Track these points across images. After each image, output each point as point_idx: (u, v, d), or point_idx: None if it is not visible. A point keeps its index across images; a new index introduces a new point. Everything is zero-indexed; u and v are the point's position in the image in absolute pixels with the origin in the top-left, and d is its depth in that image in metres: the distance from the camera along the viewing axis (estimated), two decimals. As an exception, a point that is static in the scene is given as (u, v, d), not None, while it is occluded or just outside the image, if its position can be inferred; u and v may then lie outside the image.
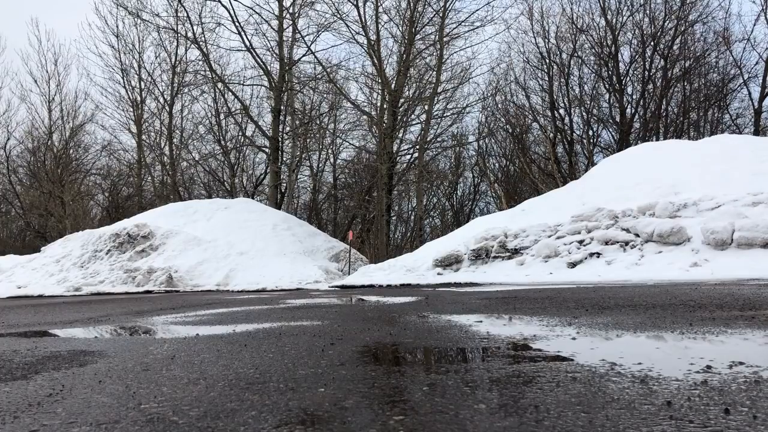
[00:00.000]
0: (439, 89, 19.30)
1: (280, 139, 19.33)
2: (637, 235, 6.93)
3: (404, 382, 1.32)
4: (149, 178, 25.45)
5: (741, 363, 1.40)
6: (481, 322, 2.57)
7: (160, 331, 2.79)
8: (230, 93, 20.47)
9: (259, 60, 18.42)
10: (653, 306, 2.93)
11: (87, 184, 27.84)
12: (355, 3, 17.51)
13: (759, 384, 1.18)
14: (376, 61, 18.22)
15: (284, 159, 20.44)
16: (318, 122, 21.86)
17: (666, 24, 19.68)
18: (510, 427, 0.93)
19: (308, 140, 22.11)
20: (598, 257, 6.88)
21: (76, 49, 48.54)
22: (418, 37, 18.66)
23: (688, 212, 7.19)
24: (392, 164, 18.75)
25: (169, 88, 23.63)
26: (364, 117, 21.09)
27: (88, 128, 26.21)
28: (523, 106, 22.18)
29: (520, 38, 22.07)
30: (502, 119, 23.03)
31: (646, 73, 20.07)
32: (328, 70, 18.76)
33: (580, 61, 20.84)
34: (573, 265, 6.89)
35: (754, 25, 23.16)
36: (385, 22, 18.86)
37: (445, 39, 18.52)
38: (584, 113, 21.10)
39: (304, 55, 18.92)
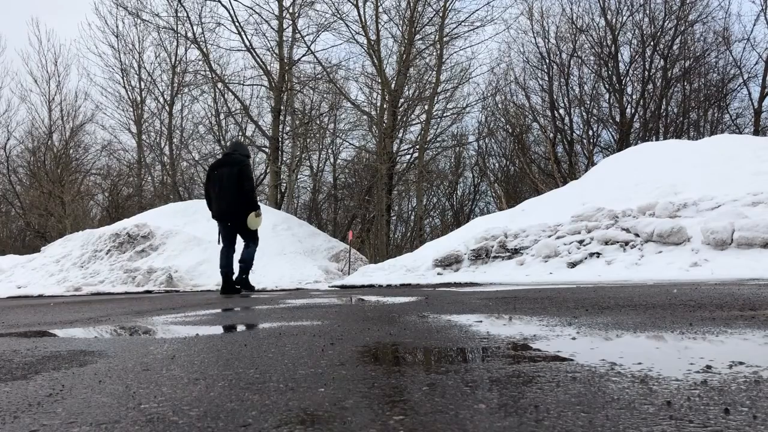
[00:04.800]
0: (439, 89, 19.31)
1: (280, 139, 19.32)
2: (637, 235, 6.93)
3: (404, 381, 1.32)
4: (149, 178, 25.46)
5: (741, 363, 1.40)
6: (481, 322, 2.57)
7: (160, 331, 2.78)
8: (230, 93, 20.48)
9: (259, 60, 18.43)
10: (653, 306, 2.93)
11: (87, 184, 27.84)
12: (355, 3, 17.52)
13: (759, 384, 1.18)
14: (376, 61, 18.22)
15: (284, 159, 20.45)
16: (318, 122, 21.86)
17: (666, 24, 19.70)
18: (510, 427, 0.93)
19: (308, 140, 22.11)
20: (598, 257, 6.88)
21: (76, 49, 48.57)
22: (417, 37, 18.67)
23: (688, 212, 7.19)
24: (392, 164, 18.74)
25: (169, 88, 23.66)
26: (364, 117, 21.10)
27: (88, 128, 26.25)
28: (523, 106, 22.21)
29: (520, 38, 22.11)
30: (502, 119, 23.05)
31: (646, 73, 20.09)
32: (328, 70, 18.76)
33: (580, 61, 20.86)
34: (573, 265, 6.89)
35: (754, 25, 23.18)
36: (385, 22, 18.88)
37: (445, 39, 18.53)
38: (584, 113, 21.11)
39: (304, 55, 18.93)
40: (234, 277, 7.04)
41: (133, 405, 1.17)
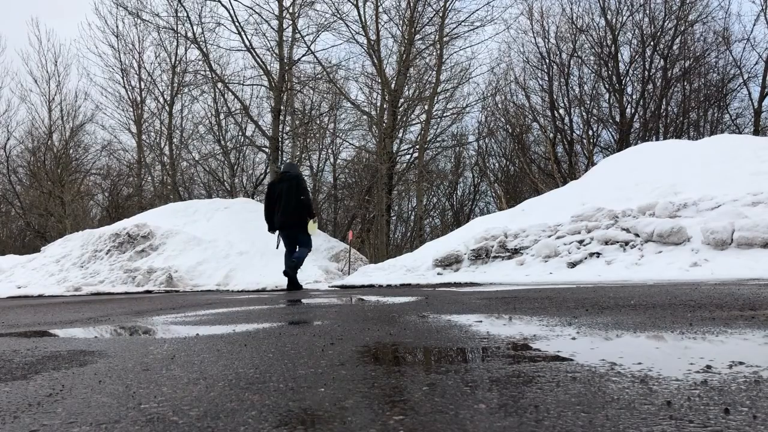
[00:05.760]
0: (439, 89, 19.29)
1: (280, 139, 19.30)
2: (637, 235, 6.92)
3: (404, 382, 1.32)
4: (149, 178, 25.45)
5: (741, 363, 1.40)
6: (481, 322, 2.57)
7: (160, 331, 2.79)
8: (230, 93, 20.46)
9: (259, 60, 18.41)
10: (653, 306, 2.93)
11: (87, 184, 27.84)
12: (355, 3, 17.51)
13: (759, 384, 1.18)
14: (376, 61, 18.21)
15: (284, 159, 20.42)
16: (318, 122, 21.85)
17: (666, 24, 19.69)
18: (510, 427, 0.93)
19: (308, 140, 22.10)
20: (598, 257, 6.88)
21: (76, 49, 48.57)
22: (417, 37, 18.66)
23: (688, 212, 7.19)
24: (392, 164, 18.73)
25: (169, 88, 23.63)
26: (364, 117, 21.09)
27: (88, 128, 26.24)
28: (523, 106, 22.21)
29: (520, 38, 22.12)
30: (502, 119, 23.04)
31: (646, 73, 20.08)
32: (328, 70, 18.75)
33: (580, 61, 20.85)
34: (573, 265, 6.89)
35: (754, 25, 23.12)
36: (385, 22, 18.86)
37: (445, 39, 18.51)
38: (584, 113, 21.10)
39: (304, 55, 18.90)
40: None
41: (133, 405, 1.17)
